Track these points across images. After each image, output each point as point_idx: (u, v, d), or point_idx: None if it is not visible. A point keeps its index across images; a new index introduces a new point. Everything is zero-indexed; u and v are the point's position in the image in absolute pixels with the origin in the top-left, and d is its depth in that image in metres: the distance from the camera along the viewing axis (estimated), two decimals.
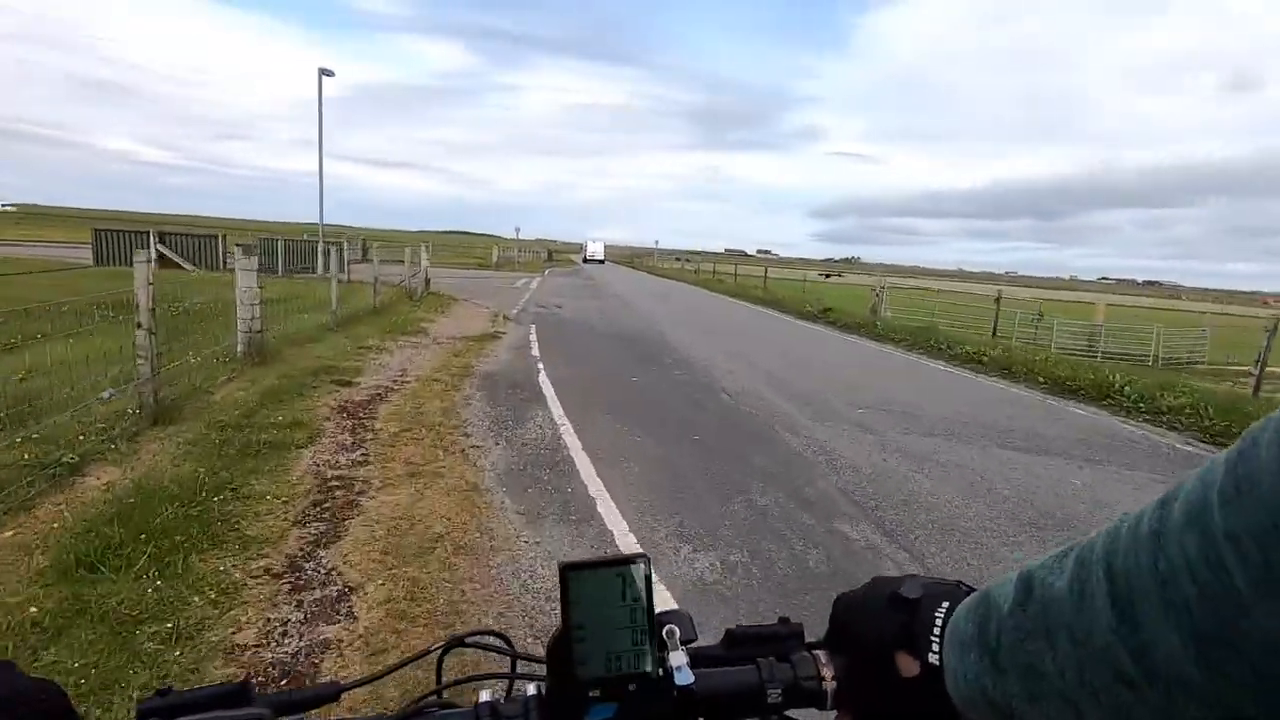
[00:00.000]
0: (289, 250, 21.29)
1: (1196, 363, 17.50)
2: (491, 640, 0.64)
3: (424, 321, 11.73)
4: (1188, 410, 6.99)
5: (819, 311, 17.17)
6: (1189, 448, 6.24)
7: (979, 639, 0.42)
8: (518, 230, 39.26)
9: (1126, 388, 7.77)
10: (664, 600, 2.91)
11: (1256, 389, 7.68)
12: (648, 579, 0.52)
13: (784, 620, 0.58)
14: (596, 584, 0.52)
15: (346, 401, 5.90)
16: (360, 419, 5.42)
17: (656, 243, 66.46)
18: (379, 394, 6.29)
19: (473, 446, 4.95)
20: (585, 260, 62.49)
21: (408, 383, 6.86)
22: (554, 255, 79.67)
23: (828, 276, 70.63)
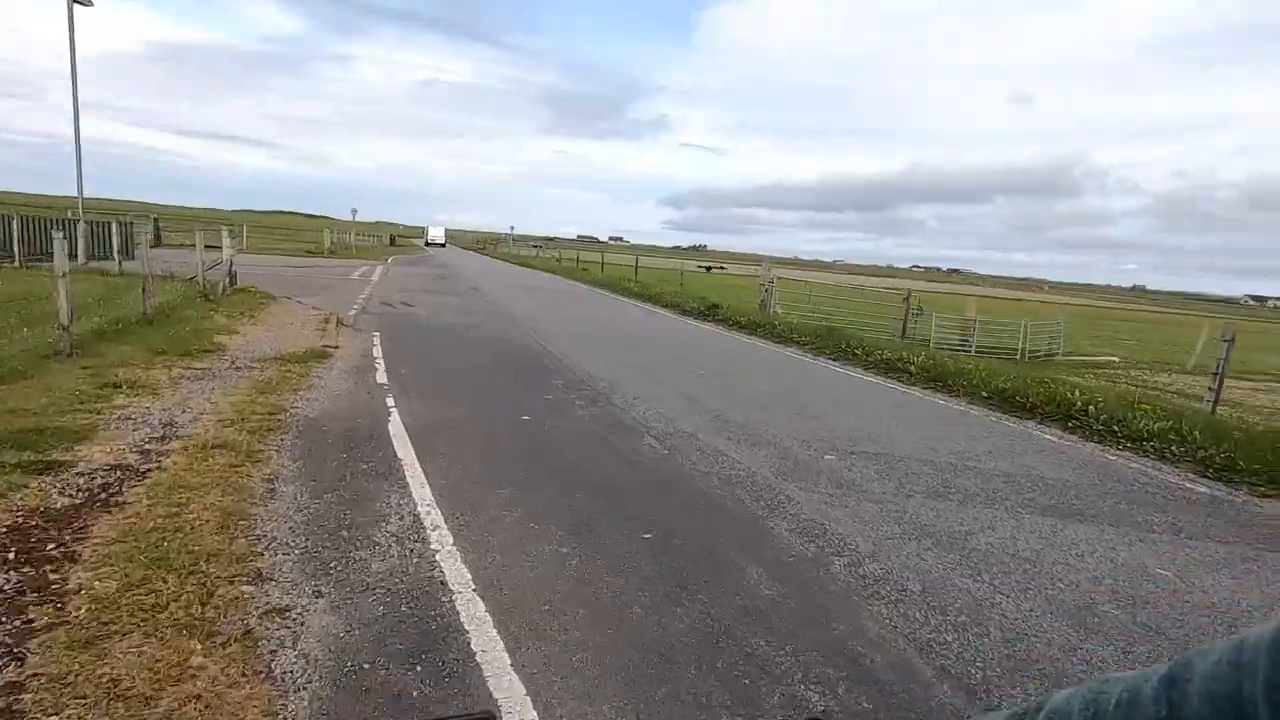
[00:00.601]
0: (29, 230, 16.19)
1: (1055, 354, 18.28)
2: None
3: (222, 333, 8.74)
4: (1171, 435, 6.13)
5: (706, 309, 15.81)
6: (1203, 488, 5.29)
7: None
8: (354, 212, 34.80)
9: (1090, 407, 6.87)
10: None
11: (1215, 403, 7.11)
12: None
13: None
14: None
15: (27, 516, 3.30)
16: (38, 564, 2.90)
17: (511, 229, 62.97)
18: (107, 488, 3.71)
19: (269, 613, 2.68)
20: (428, 244, 65.56)
21: (169, 454, 4.28)
22: (397, 240, 73.53)
23: (709, 269, 69.89)
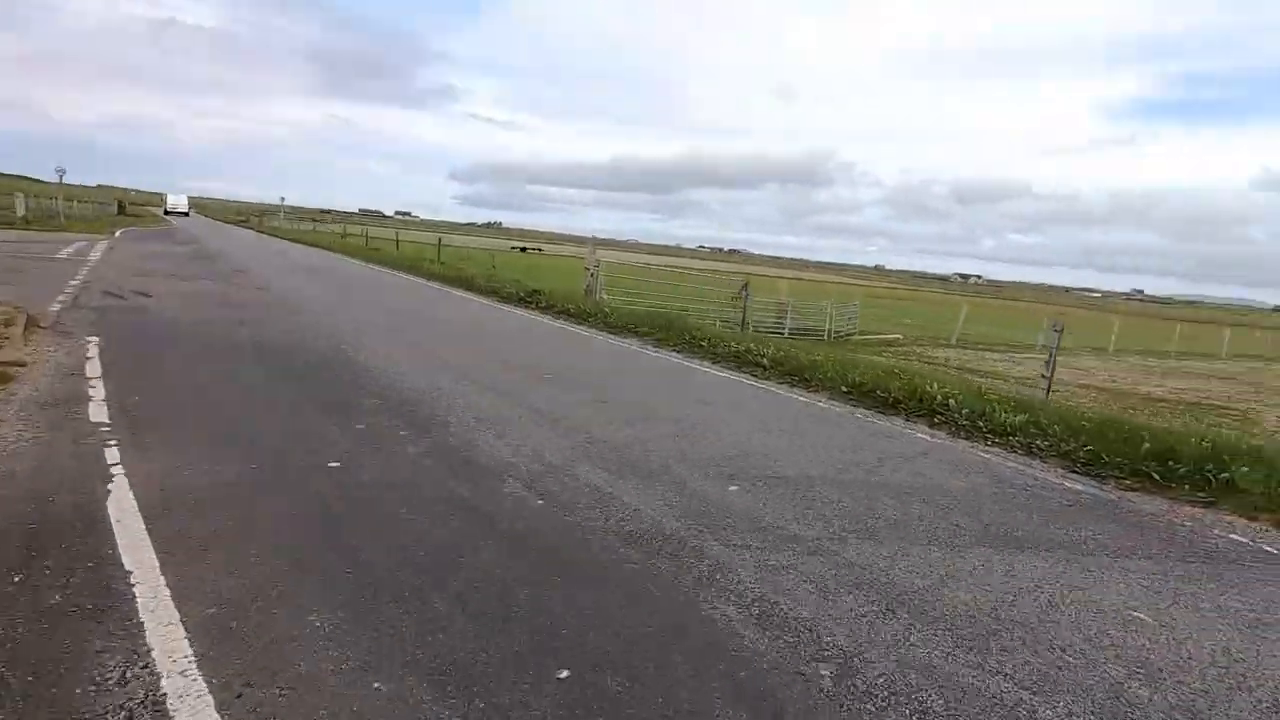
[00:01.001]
0: None
1: (852, 334, 19.59)
2: None
3: None
4: (1031, 428, 6.17)
5: (526, 295, 14.38)
6: (1079, 486, 5.25)
7: None
8: (60, 173, 27.54)
9: (950, 401, 6.80)
10: None
11: (1048, 391, 7.45)
12: None
13: None
14: None
15: None
16: None
17: (282, 200, 54.77)
18: None
19: None
20: (167, 213, 62.68)
21: None
22: (127, 208, 61.10)
23: (524, 250, 66.60)
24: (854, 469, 5.12)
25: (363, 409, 5.58)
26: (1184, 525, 4.59)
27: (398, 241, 27.28)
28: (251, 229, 50.24)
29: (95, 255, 16.73)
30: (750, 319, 17.16)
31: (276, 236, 39.30)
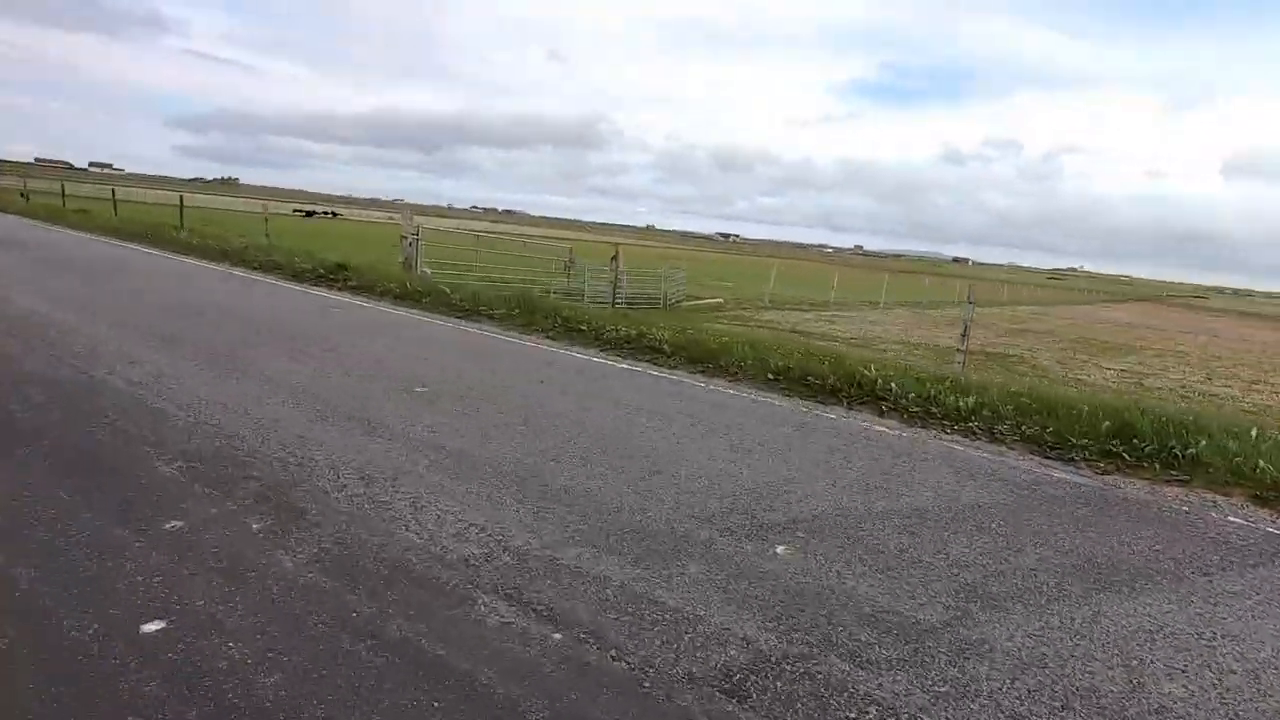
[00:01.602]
0: None
1: (681, 301, 19.22)
2: None
3: None
4: (986, 413, 5.83)
5: (329, 271, 11.58)
6: (1063, 475, 4.94)
7: None
8: None
9: (892, 385, 6.28)
10: None
11: (964, 365, 7.29)
12: None
13: None
14: None
15: None
16: None
17: None
18: None
19: None
20: None
21: None
22: None
23: (310, 214, 54.58)
24: (875, 496, 4.24)
25: (158, 481, 3.46)
26: (1184, 512, 4.41)
27: (115, 203, 21.09)
28: None
29: None
30: (585, 288, 15.91)
31: None
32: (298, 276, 11.75)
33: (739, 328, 12.86)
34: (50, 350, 5.80)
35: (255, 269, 12.46)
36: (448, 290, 10.05)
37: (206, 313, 8.12)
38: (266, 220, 14.59)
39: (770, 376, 6.83)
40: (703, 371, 7.16)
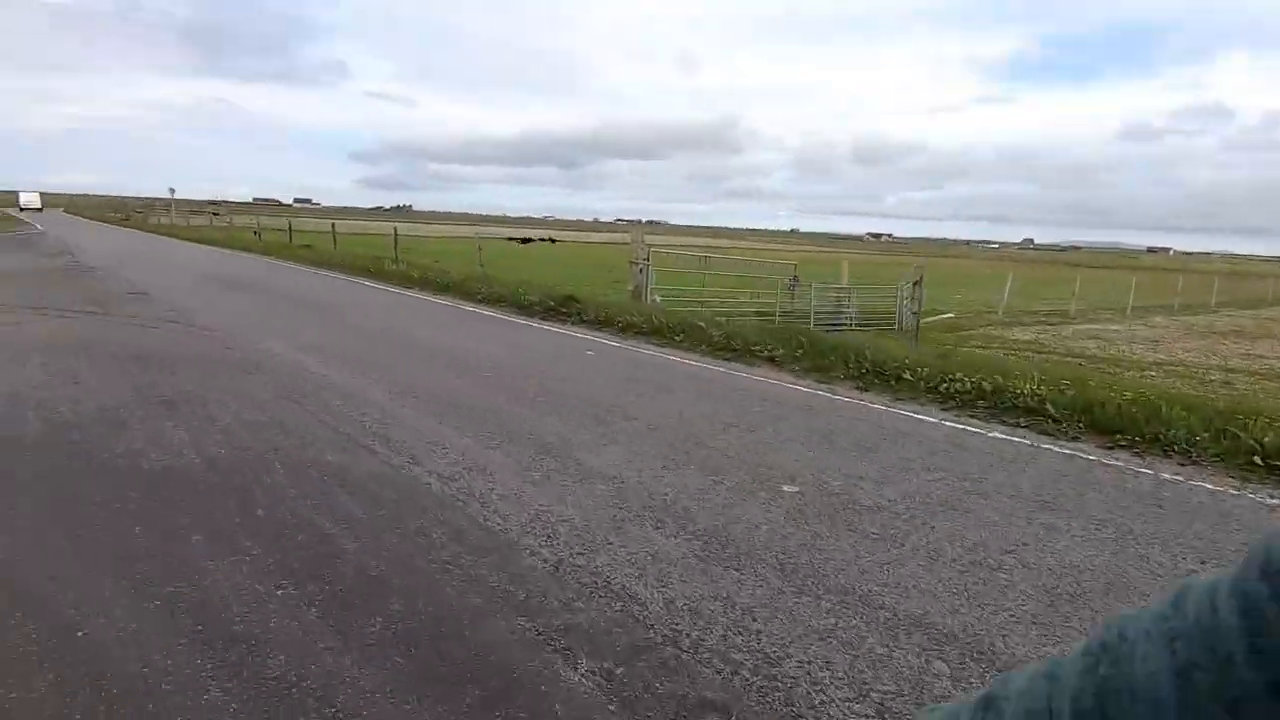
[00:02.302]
0: None
1: (943, 313, 16.67)
2: None
3: None
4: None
5: (558, 303, 10.70)
6: None
7: None
8: None
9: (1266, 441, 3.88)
10: None
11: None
12: None
13: None
14: None
15: None
16: None
17: (172, 192, 46.73)
18: None
19: None
20: (22, 209, 66.27)
21: None
22: None
23: (527, 241, 50.86)
24: None
25: None
26: None
27: (334, 236, 22.41)
28: (134, 228, 43.07)
29: None
30: (807, 308, 14.09)
31: (171, 236, 33.13)
32: (525, 310, 10.97)
33: (1024, 354, 10.45)
34: (338, 425, 4.96)
35: (481, 301, 11.90)
36: (703, 325, 8.66)
37: (471, 363, 7.25)
38: (479, 249, 14.25)
39: (1256, 459, 4.62)
40: (1128, 447, 5.09)
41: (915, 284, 14.31)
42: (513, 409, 5.58)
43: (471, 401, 5.75)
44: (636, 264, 10.93)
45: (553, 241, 57.64)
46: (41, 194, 75.18)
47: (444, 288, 13.31)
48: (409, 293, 13.32)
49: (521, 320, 10.34)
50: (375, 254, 18.19)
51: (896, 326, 14.82)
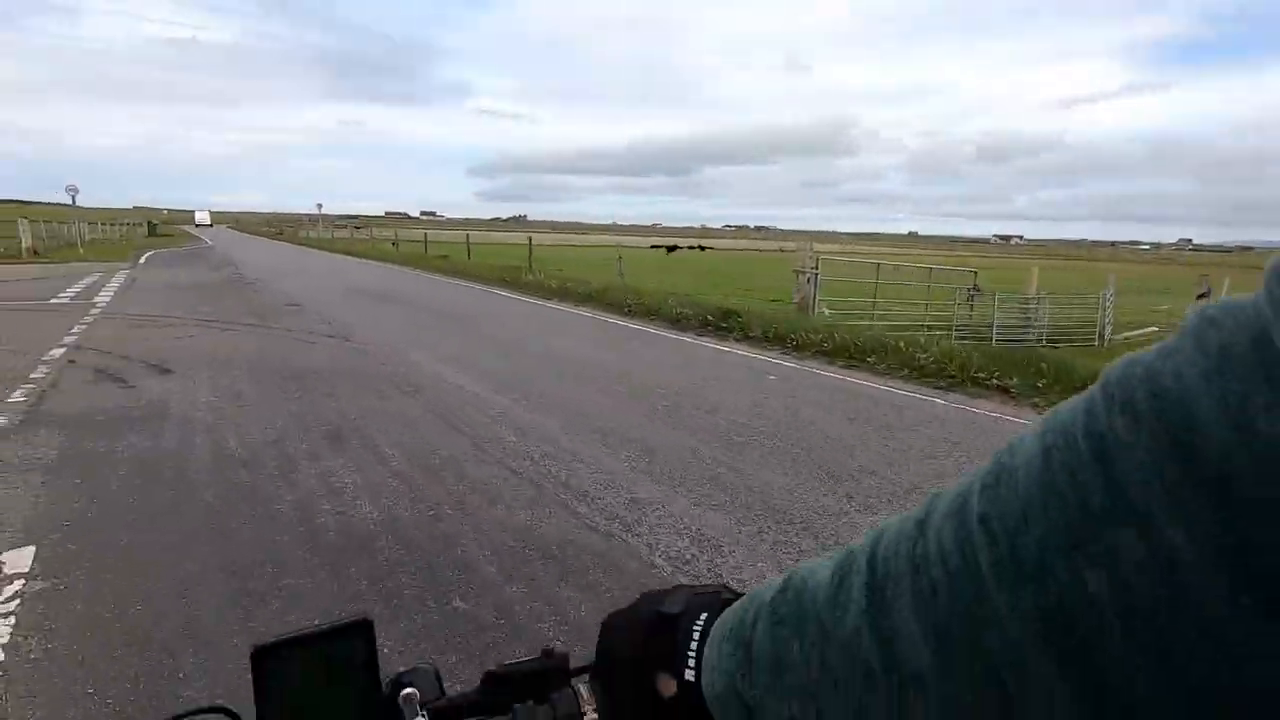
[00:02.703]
0: None
1: (1145, 326, 14.45)
2: (217, 719, 0.51)
3: None
4: None
5: (717, 317, 9.71)
6: None
7: (737, 629, 0.39)
8: (73, 195, 23.75)
9: None
10: None
11: None
12: (370, 644, 0.43)
13: (547, 652, 0.49)
14: (303, 663, 0.42)
15: None
16: None
17: (320, 208, 50.33)
18: None
19: None
20: (197, 225, 71.08)
21: None
22: (159, 228, 58.26)
23: (672, 249, 46.48)
24: None
25: None
26: None
27: (468, 248, 22.72)
28: (286, 242, 46.60)
29: (105, 296, 12.56)
30: (989, 320, 12.32)
31: (318, 249, 35.31)
32: (677, 324, 10.07)
33: None
34: (519, 469, 4.18)
35: (626, 314, 11.14)
36: (902, 346, 7.35)
37: (642, 388, 6.39)
38: (620, 258, 13.57)
39: None
40: None
41: (1109, 293, 12.18)
42: (716, 454, 4.60)
43: (662, 440, 4.83)
44: (804, 273, 9.73)
45: (701, 249, 53.87)
46: (210, 213, 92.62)
47: (586, 298, 12.69)
48: (551, 304, 12.81)
49: (676, 335, 9.43)
50: (507, 263, 18.05)
51: (1098, 342, 12.72)
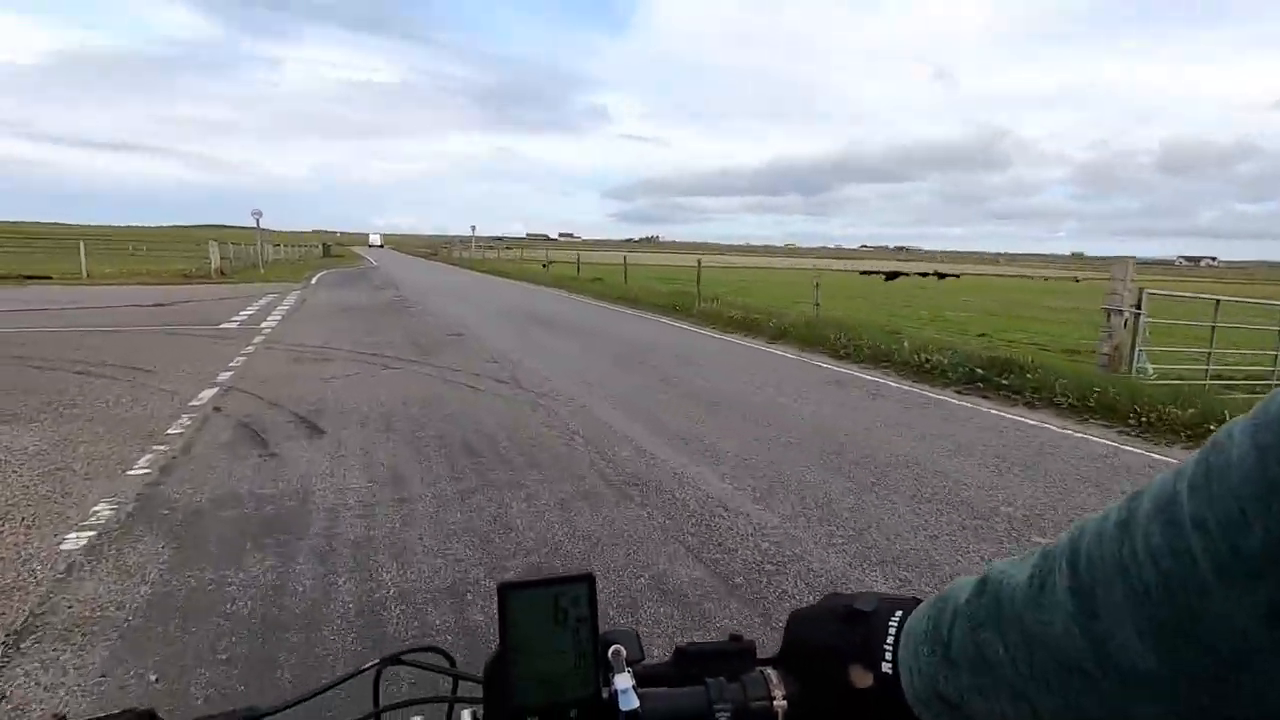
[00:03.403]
0: None
1: None
2: (430, 658, 0.59)
3: None
4: None
5: (985, 368, 7.26)
6: None
7: (932, 633, 0.40)
8: (258, 219, 25.13)
9: None
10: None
11: None
12: (592, 598, 0.48)
13: (735, 637, 0.53)
14: (537, 604, 0.47)
15: None
16: None
17: (474, 229, 52.29)
18: None
19: None
20: (370, 246, 72.80)
21: None
22: (332, 249, 63.17)
23: (892, 277, 38.74)
24: None
25: None
26: None
27: (625, 271, 21.34)
28: (441, 262, 48.44)
29: (273, 319, 12.15)
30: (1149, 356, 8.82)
31: (472, 270, 35.85)
32: (926, 375, 7.71)
33: None
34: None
35: (845, 358, 8.90)
36: None
37: (943, 491, 4.21)
38: (817, 286, 11.38)
39: None
40: None
41: None
42: None
43: None
44: (1122, 314, 6.98)
45: (940, 277, 44.16)
46: (380, 235, 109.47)
47: (779, 334, 10.59)
48: (739, 340, 10.81)
49: (936, 393, 7.07)
50: (667, 287, 16.35)
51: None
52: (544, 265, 29.13)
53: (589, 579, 0.49)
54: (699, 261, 17.01)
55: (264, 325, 11.21)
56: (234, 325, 11.21)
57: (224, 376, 7.05)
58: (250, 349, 8.80)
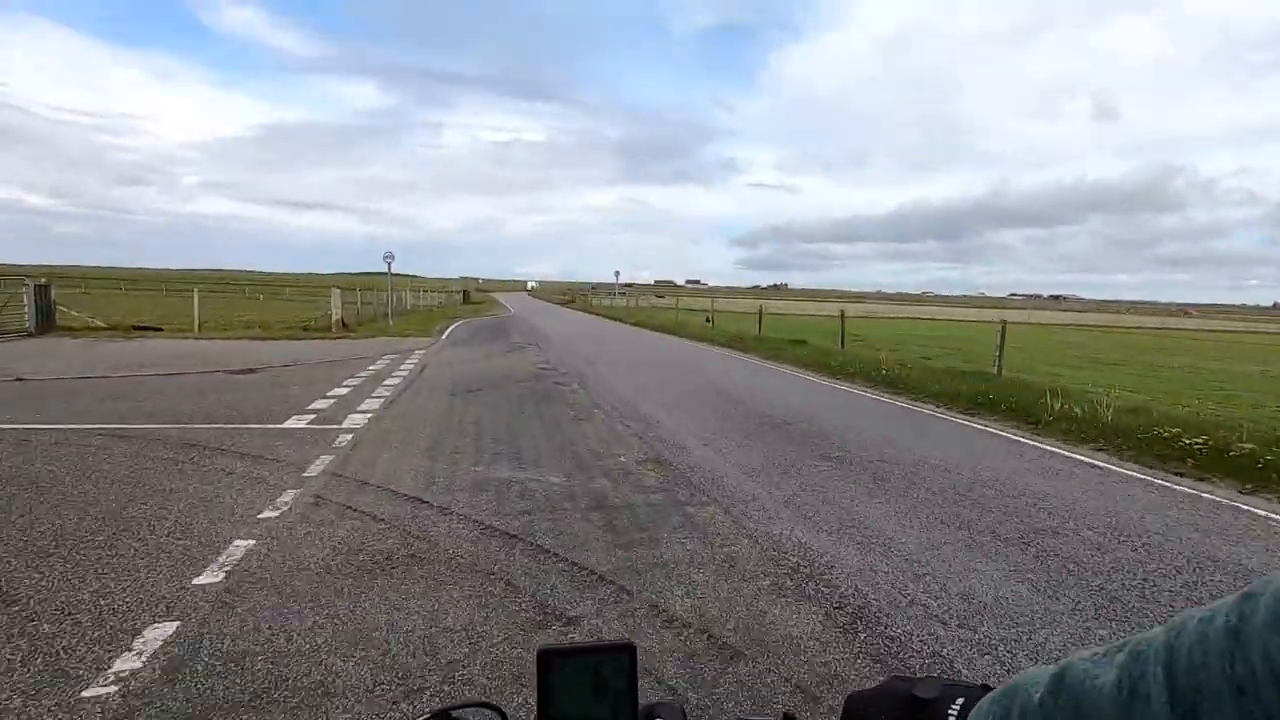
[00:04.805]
0: None
1: None
2: (483, 713, 0.56)
3: None
4: None
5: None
6: None
7: None
8: (389, 263, 22.75)
9: None
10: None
11: None
12: (633, 668, 0.47)
13: (789, 717, 0.52)
14: (577, 673, 0.46)
15: None
16: None
17: (617, 275, 49.79)
18: None
19: None
20: (527, 291, 64.58)
21: None
22: (472, 296, 62.74)
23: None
24: None
25: None
26: None
27: (760, 320, 16.58)
28: (580, 311, 45.62)
29: (370, 406, 8.19)
30: None
31: (613, 320, 32.10)
32: (1174, 461, 2.03)
33: None
34: None
35: (1067, 436, 3.37)
36: None
37: None
38: (1059, 338, 5.36)
39: None
40: None
41: None
42: None
43: None
44: None
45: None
46: (535, 281, 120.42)
47: (979, 404, 5.09)
48: (953, 419, 5.46)
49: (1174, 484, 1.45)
50: (821, 346, 11.02)
51: None
52: (708, 319, 24.54)
53: (629, 649, 0.48)
54: (842, 313, 11.68)
55: (347, 422, 7.16)
56: (307, 421, 7.23)
57: (212, 579, 2.78)
58: (299, 488, 4.58)
